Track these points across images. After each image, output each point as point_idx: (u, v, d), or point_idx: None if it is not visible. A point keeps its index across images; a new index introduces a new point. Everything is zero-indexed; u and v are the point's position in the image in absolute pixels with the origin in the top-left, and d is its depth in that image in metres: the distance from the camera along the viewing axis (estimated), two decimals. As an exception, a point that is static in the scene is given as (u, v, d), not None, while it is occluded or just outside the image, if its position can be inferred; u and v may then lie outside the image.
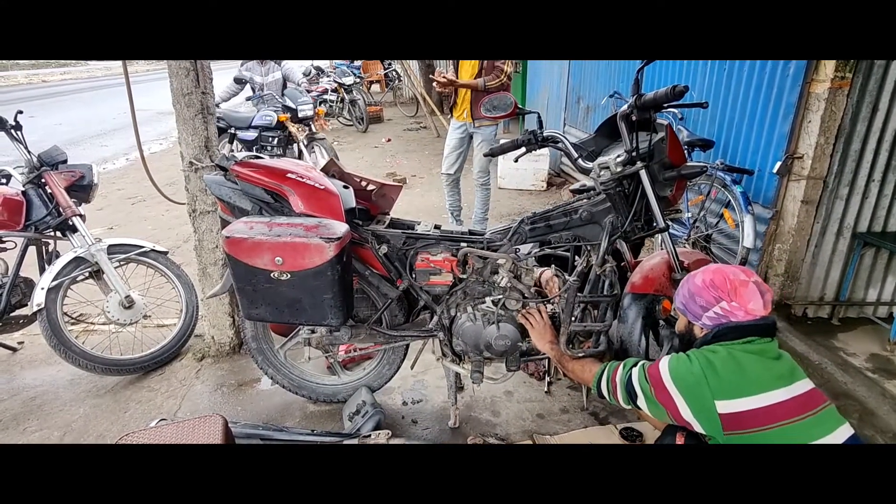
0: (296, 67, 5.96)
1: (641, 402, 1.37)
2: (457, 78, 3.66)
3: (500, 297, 1.88)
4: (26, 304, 2.49)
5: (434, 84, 3.71)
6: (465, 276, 1.91)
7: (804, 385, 1.23)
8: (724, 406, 1.20)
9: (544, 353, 1.81)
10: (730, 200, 2.93)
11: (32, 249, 2.57)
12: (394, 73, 12.46)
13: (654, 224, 1.69)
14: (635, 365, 1.43)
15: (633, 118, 1.62)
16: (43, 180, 2.47)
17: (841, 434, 1.18)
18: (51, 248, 2.61)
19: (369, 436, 1.93)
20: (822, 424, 1.19)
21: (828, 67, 2.49)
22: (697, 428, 1.26)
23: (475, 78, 3.60)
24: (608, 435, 2.07)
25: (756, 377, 1.21)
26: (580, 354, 1.73)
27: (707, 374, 1.23)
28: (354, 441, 1.93)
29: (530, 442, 2.05)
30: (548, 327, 1.80)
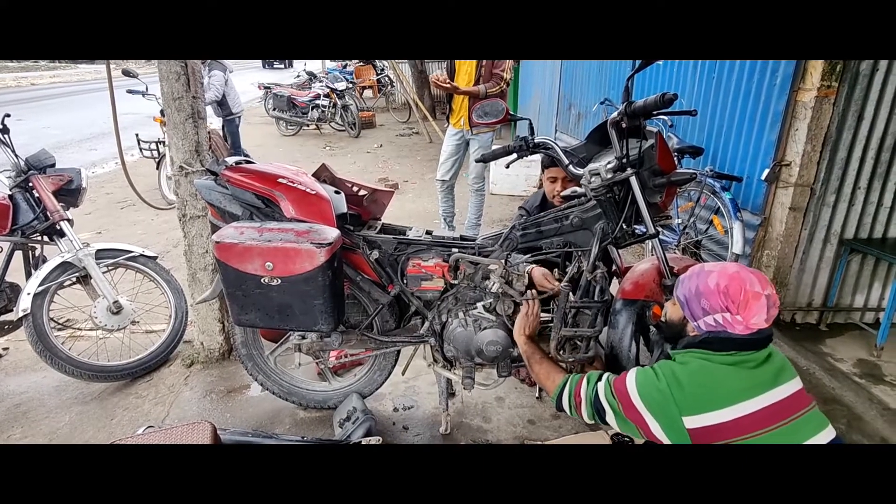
0: (215, 79, 5.64)
1: (610, 418, 1.32)
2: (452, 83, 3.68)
3: (492, 302, 1.88)
4: (12, 310, 2.46)
5: (433, 85, 3.75)
6: (456, 282, 1.91)
7: (786, 389, 1.19)
8: (691, 421, 1.16)
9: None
10: (719, 207, 2.96)
11: (19, 254, 2.54)
12: (386, 78, 12.49)
13: (645, 230, 1.70)
14: (600, 379, 1.38)
15: (623, 125, 1.63)
16: (30, 184, 2.45)
17: (818, 441, 1.16)
18: (38, 252, 2.58)
19: (360, 442, 1.92)
20: (797, 432, 1.15)
21: (814, 76, 2.53)
22: (668, 443, 1.22)
23: (474, 84, 3.62)
24: (599, 441, 2.07)
25: (723, 390, 1.17)
26: (570, 359, 1.73)
27: (673, 390, 1.19)
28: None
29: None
30: (529, 319, 1.75)
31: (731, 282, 1.21)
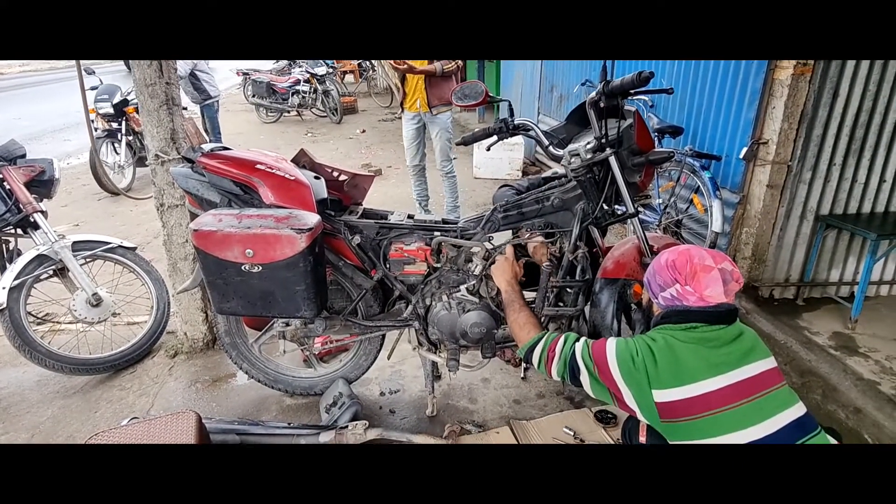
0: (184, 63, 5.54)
1: (584, 378, 1.34)
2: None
3: (475, 284, 1.89)
4: (-13, 305, 2.41)
5: (392, 66, 3.68)
6: (439, 265, 1.92)
7: (754, 368, 1.21)
8: (660, 395, 1.20)
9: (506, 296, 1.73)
10: (699, 186, 2.99)
11: (-8, 248, 2.49)
12: (367, 63, 12.31)
13: (625, 210, 1.72)
14: (577, 340, 1.41)
15: (602, 105, 1.63)
16: (0, 176, 2.38)
17: (782, 419, 1.17)
18: (11, 246, 2.53)
19: (346, 427, 1.93)
20: (760, 410, 1.17)
21: (790, 54, 2.54)
22: (639, 415, 1.26)
23: (429, 64, 3.59)
24: (583, 418, 2.11)
25: (690, 367, 1.19)
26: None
27: (647, 364, 1.22)
28: (331, 433, 1.92)
29: (507, 427, 2.07)
30: (511, 264, 1.77)
31: (679, 256, 1.28)
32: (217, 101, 6.10)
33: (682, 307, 1.26)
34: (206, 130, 6.10)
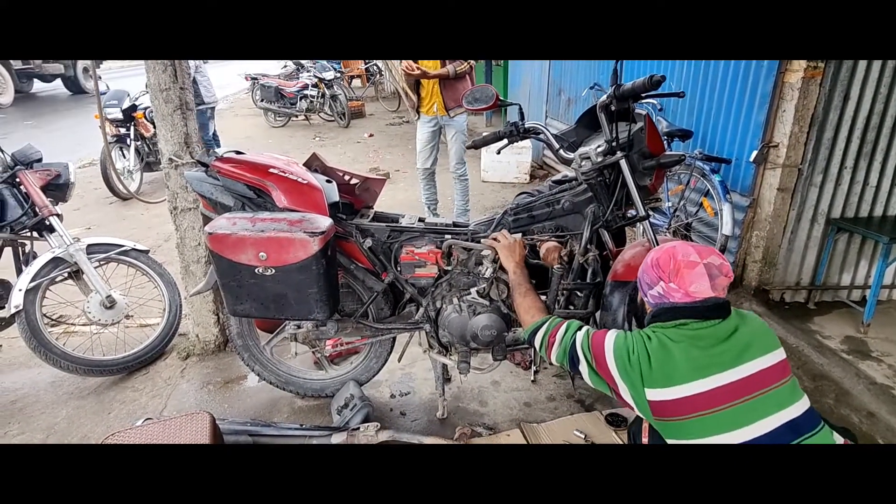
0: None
1: (583, 368, 1.35)
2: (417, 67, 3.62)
3: (485, 287, 1.90)
4: (3, 307, 2.44)
5: (403, 72, 3.69)
6: (449, 268, 1.93)
7: (753, 366, 1.18)
8: (652, 394, 1.20)
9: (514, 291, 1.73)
10: (709, 189, 2.98)
11: (8, 251, 2.53)
12: (375, 67, 12.37)
13: (635, 213, 1.72)
14: (580, 329, 1.41)
15: (613, 108, 1.64)
16: (17, 179, 2.42)
17: (774, 420, 1.14)
18: (27, 248, 2.56)
19: (358, 428, 1.94)
20: (751, 411, 1.15)
21: (801, 57, 2.54)
22: (636, 410, 1.27)
23: (441, 67, 3.59)
24: (594, 421, 2.11)
25: (680, 368, 1.18)
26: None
27: (641, 363, 1.22)
28: (343, 434, 1.94)
29: (518, 430, 2.07)
30: (518, 245, 1.78)
31: (663, 254, 1.27)
32: (211, 108, 5.88)
33: (669, 304, 1.25)
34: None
